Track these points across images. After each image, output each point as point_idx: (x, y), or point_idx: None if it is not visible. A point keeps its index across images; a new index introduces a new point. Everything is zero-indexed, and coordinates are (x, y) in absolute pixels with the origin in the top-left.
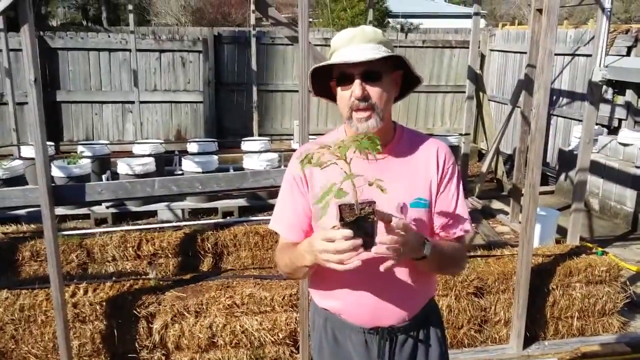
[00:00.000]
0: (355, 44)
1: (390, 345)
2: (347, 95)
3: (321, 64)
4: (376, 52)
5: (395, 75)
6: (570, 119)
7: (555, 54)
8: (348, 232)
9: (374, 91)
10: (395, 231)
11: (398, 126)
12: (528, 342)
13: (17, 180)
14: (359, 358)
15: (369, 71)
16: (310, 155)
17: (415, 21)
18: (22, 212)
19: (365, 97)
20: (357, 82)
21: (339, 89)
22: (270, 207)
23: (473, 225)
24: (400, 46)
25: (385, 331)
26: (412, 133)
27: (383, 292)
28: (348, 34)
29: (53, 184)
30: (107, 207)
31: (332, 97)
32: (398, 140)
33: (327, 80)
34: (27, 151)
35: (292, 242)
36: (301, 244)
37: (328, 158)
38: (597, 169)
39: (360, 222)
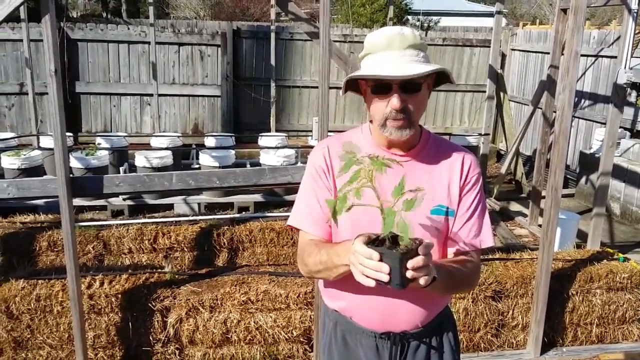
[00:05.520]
0: (394, 50)
1: (402, 351)
2: (382, 104)
3: (360, 75)
4: (416, 60)
5: (429, 80)
6: (592, 121)
7: None
8: (375, 254)
9: (412, 102)
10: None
11: (424, 130)
12: (545, 348)
13: (35, 170)
14: None
15: (409, 82)
16: (337, 201)
17: (435, 18)
18: (39, 202)
19: (403, 109)
20: (396, 94)
21: (374, 97)
22: (287, 204)
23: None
24: None
25: (397, 336)
26: (438, 139)
27: (397, 296)
28: (386, 36)
29: (71, 175)
30: (124, 199)
31: (358, 89)
32: (424, 145)
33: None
34: (46, 141)
35: (319, 239)
36: (340, 244)
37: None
38: (619, 173)
39: (393, 256)
